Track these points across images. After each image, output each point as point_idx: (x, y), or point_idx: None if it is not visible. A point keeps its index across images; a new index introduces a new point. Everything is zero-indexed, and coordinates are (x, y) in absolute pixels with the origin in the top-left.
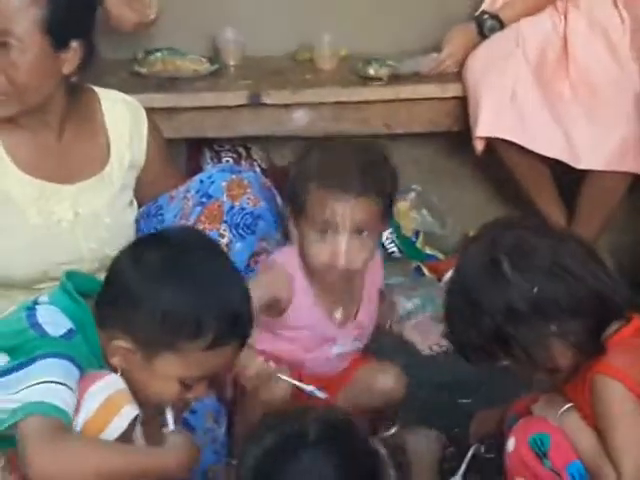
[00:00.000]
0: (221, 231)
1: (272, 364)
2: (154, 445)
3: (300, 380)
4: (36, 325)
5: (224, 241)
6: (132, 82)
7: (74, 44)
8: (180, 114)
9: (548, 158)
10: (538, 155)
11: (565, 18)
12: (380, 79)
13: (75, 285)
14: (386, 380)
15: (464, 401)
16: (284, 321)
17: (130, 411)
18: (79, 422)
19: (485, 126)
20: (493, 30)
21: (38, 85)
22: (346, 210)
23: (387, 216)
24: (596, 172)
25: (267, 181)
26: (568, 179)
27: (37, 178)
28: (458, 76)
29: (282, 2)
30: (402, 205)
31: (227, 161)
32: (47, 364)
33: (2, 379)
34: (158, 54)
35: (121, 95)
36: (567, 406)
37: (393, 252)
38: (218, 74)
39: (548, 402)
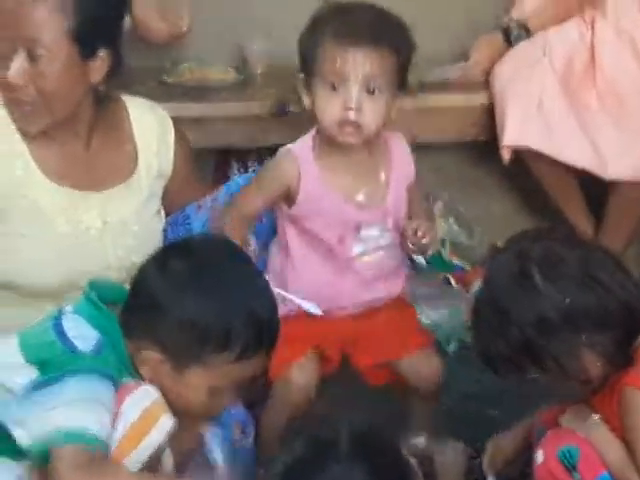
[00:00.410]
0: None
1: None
2: (180, 463)
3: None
4: (64, 337)
5: (250, 249)
6: (160, 91)
7: (102, 53)
8: (207, 123)
9: (575, 168)
10: (565, 165)
11: (592, 27)
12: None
13: (99, 294)
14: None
15: (491, 412)
16: (298, 208)
17: (167, 421)
18: (118, 435)
19: (512, 135)
20: (520, 39)
21: (66, 94)
22: (357, 59)
23: (401, 78)
24: (624, 182)
25: None
26: (596, 188)
27: (65, 187)
28: (485, 84)
29: (309, 10)
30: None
31: (254, 170)
32: (81, 382)
33: (36, 394)
34: (186, 64)
35: (149, 104)
36: (595, 418)
37: (419, 262)
38: (245, 83)
39: (576, 414)
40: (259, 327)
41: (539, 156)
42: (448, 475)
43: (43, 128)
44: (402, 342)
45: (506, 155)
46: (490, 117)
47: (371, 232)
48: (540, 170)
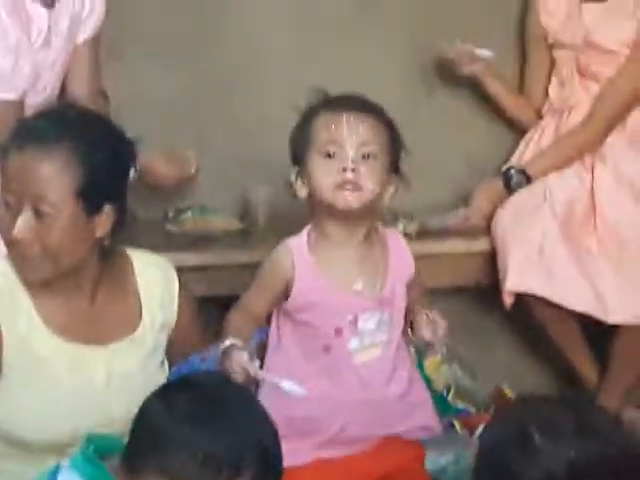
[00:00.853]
0: None
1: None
2: None
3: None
4: None
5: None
6: (164, 241)
7: (107, 208)
8: (211, 272)
9: (578, 312)
10: (567, 309)
11: (592, 173)
12: (409, 235)
13: (97, 446)
14: None
15: None
16: (294, 301)
17: None
18: None
19: (513, 281)
20: (520, 185)
21: (71, 249)
22: (351, 123)
23: (394, 158)
24: (626, 326)
25: None
26: (601, 333)
27: (70, 341)
28: (487, 230)
29: None
30: (432, 360)
31: None
32: None
33: None
34: (189, 212)
35: (153, 257)
36: None
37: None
38: (248, 232)
39: None
40: (266, 457)
41: (541, 301)
42: None
43: (46, 278)
44: None
45: (508, 300)
46: (492, 262)
47: (369, 324)
48: (542, 314)
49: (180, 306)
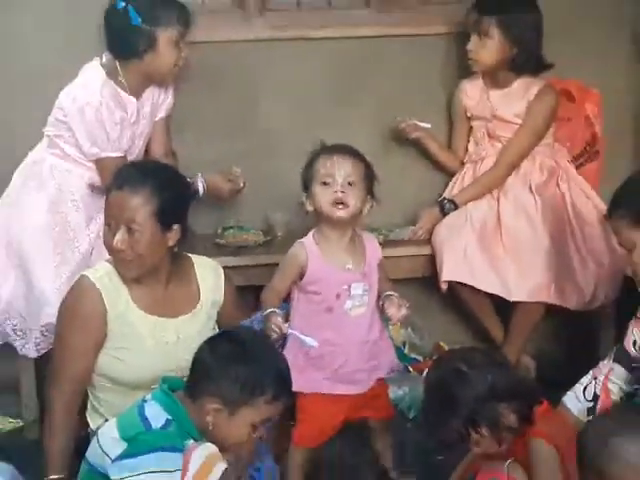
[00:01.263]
0: None
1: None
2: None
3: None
4: (144, 418)
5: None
6: (214, 249)
7: (175, 227)
8: (246, 270)
9: (490, 293)
10: (483, 292)
11: (498, 202)
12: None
13: (169, 385)
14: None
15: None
16: (307, 279)
17: (221, 466)
18: (190, 475)
19: (447, 273)
20: (450, 210)
21: (151, 255)
22: (339, 162)
23: (369, 185)
24: (522, 302)
25: None
26: (504, 306)
27: (152, 315)
28: (428, 241)
29: None
30: (395, 326)
31: None
32: (154, 457)
33: (123, 461)
34: (231, 230)
35: (206, 259)
36: (510, 460)
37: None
38: (270, 243)
39: (495, 460)
40: (282, 382)
41: (465, 286)
42: None
43: (136, 275)
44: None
45: (443, 286)
46: (432, 262)
47: (358, 291)
48: (466, 295)
49: (225, 290)
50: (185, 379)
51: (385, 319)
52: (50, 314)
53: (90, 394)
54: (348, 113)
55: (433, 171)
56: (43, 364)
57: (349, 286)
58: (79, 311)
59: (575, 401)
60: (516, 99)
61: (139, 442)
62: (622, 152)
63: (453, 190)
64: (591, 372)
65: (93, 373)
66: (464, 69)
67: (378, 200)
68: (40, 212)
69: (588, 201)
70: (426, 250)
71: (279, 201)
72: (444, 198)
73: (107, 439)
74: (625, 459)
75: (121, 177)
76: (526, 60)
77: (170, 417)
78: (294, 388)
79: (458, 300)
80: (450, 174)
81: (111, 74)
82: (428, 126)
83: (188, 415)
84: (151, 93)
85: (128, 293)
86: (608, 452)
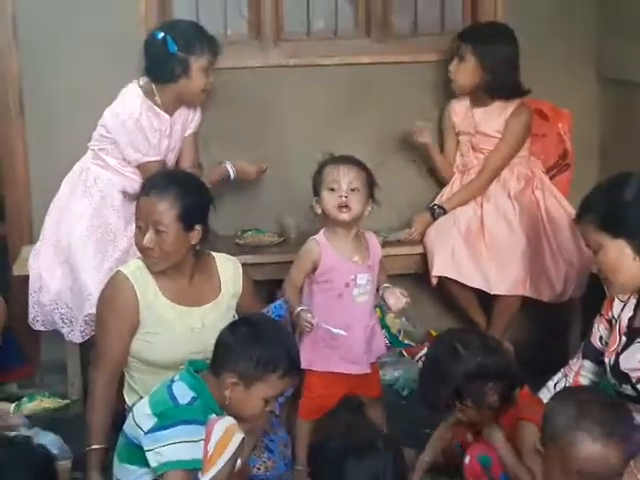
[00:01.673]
0: None
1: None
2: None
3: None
4: (172, 396)
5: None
6: (234, 249)
7: (197, 227)
8: (262, 266)
9: (474, 287)
10: (468, 286)
11: (481, 207)
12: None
13: (194, 366)
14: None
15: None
16: (321, 269)
17: (239, 436)
18: (210, 449)
19: (437, 270)
20: (440, 215)
21: (176, 252)
22: (344, 170)
23: (370, 191)
24: (502, 295)
25: None
26: (487, 298)
27: (178, 305)
28: (421, 242)
29: None
30: (391, 315)
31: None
32: (181, 429)
33: (154, 434)
34: (249, 232)
35: (227, 256)
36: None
37: (386, 343)
38: (283, 243)
39: (493, 430)
40: (291, 360)
41: (453, 281)
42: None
43: (163, 269)
44: (372, 388)
45: (434, 281)
46: (424, 260)
47: (362, 281)
48: (453, 289)
49: (243, 283)
50: (208, 361)
51: (379, 306)
52: (92, 305)
53: (126, 374)
54: (351, 129)
55: (425, 181)
56: (87, 349)
57: (355, 276)
58: (115, 301)
59: (548, 395)
60: (495, 116)
61: (168, 416)
62: (590, 165)
63: (442, 197)
64: (562, 370)
65: (128, 356)
66: (452, 91)
67: (379, 203)
68: (85, 216)
69: (560, 207)
70: (419, 250)
71: (291, 207)
72: (435, 204)
73: (141, 415)
74: (584, 434)
75: (149, 185)
76: (500, 85)
77: (195, 395)
78: (311, 367)
79: (446, 293)
80: (444, 178)
81: (148, 94)
82: (430, 125)
83: (210, 393)
84: (182, 112)
85: (156, 285)
86: (566, 424)
